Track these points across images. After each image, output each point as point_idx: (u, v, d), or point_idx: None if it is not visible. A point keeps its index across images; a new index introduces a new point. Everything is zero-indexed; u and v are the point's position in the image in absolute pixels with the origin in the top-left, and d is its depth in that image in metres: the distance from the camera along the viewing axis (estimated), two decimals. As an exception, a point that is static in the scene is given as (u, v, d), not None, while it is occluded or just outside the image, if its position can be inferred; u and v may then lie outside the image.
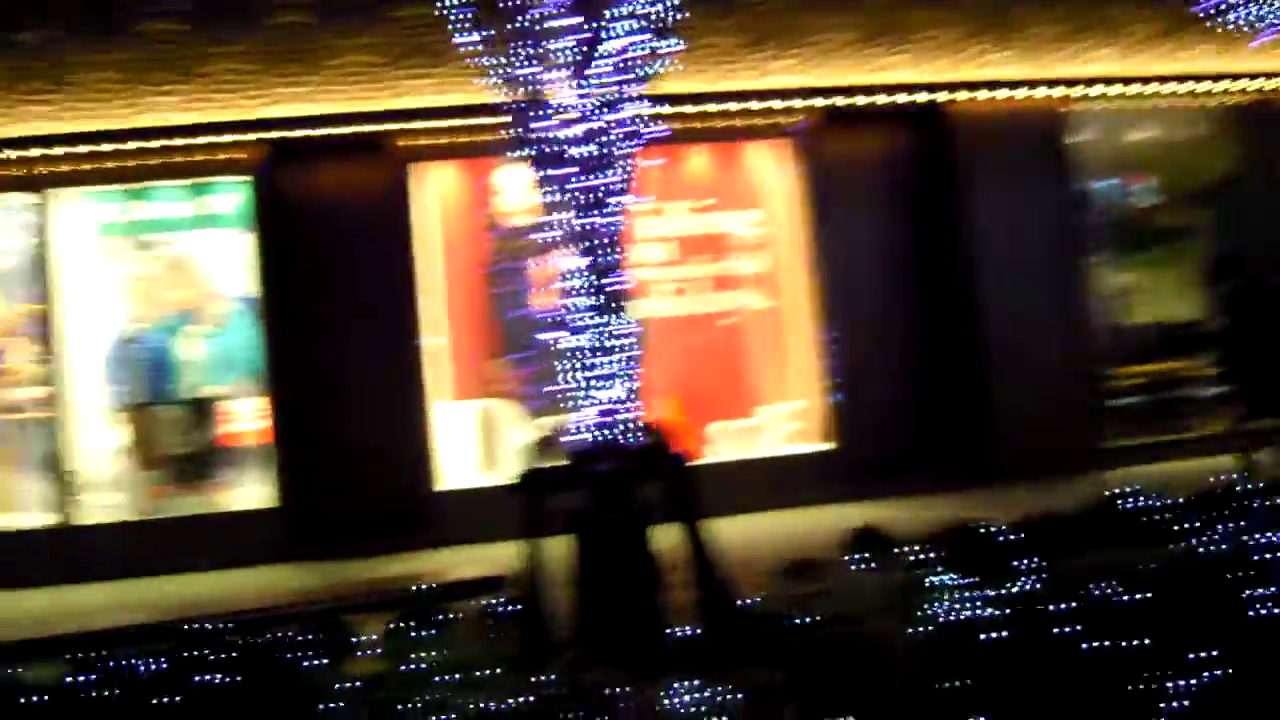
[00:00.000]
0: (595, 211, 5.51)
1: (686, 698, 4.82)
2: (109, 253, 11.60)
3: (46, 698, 5.67)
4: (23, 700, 5.66)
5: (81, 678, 5.72)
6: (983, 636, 4.94)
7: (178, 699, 5.53)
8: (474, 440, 11.19)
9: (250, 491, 11.22)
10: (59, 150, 10.76)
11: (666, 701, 4.82)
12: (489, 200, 11.47)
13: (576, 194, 5.54)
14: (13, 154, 10.73)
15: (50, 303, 11.04)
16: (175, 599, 9.33)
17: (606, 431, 5.58)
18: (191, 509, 11.13)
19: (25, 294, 11.32)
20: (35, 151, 10.76)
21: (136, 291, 11.58)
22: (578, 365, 5.61)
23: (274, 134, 10.79)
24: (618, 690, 4.88)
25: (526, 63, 5.56)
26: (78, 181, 11.09)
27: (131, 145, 10.77)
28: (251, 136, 10.82)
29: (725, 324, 11.88)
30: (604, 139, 5.54)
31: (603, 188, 5.51)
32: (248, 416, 11.26)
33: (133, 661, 5.69)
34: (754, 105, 11.45)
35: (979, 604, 5.62)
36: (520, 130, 5.65)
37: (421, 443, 10.88)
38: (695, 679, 4.93)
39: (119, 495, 11.25)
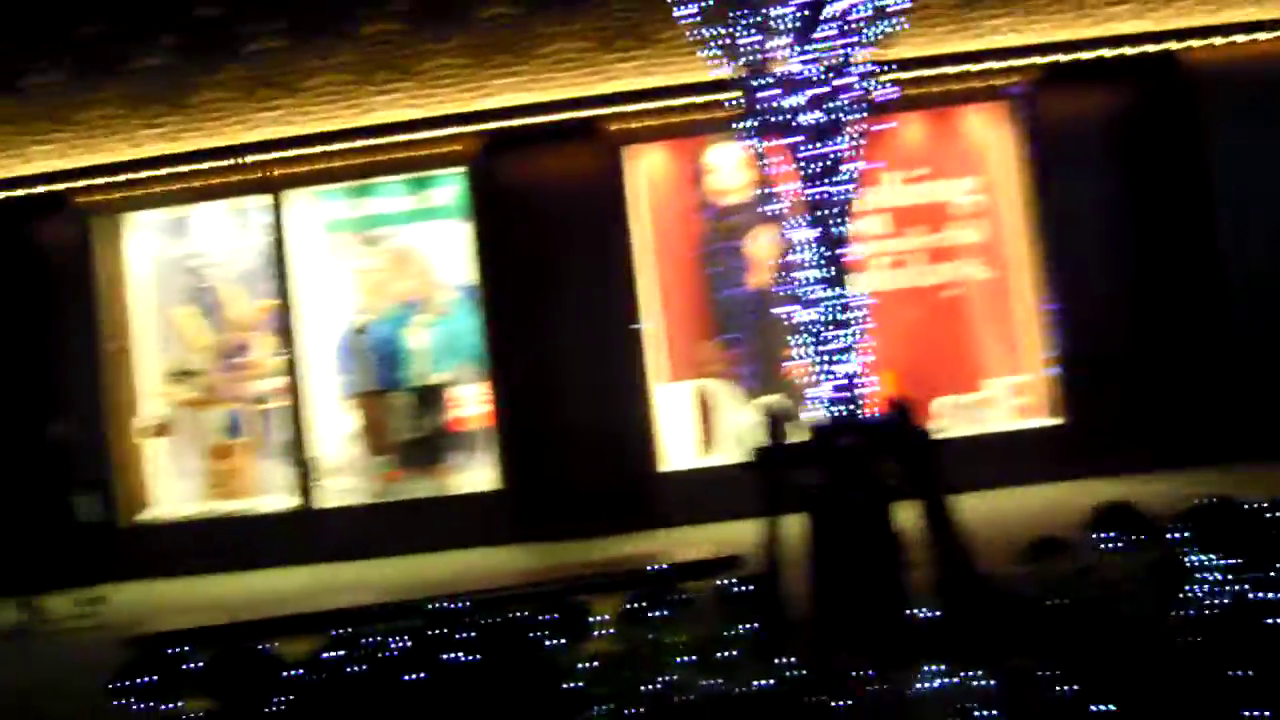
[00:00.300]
0: (825, 180, 5.36)
1: (937, 683, 4.63)
2: (338, 248, 12.13)
3: (302, 671, 5.92)
4: (282, 674, 5.93)
5: (333, 654, 5.96)
6: (1264, 621, 4.57)
7: (424, 676, 5.68)
8: (692, 421, 11.17)
9: (476, 475, 11.52)
10: (291, 153, 11.25)
11: (916, 687, 4.64)
12: (702, 180, 11.42)
13: (805, 163, 5.40)
14: (250, 158, 11.28)
15: (286, 298, 11.60)
16: (409, 579, 9.63)
17: (843, 406, 5.42)
18: (421, 492, 11.50)
19: (264, 291, 11.95)
20: (270, 155, 11.29)
21: (364, 284, 12.06)
22: (811, 339, 5.47)
23: (489, 125, 10.99)
24: (863, 674, 4.73)
25: (748, 31, 5.44)
26: (308, 182, 11.59)
27: (356, 144, 11.16)
28: (468, 129, 11.04)
29: (945, 296, 11.48)
30: (831, 105, 5.37)
31: (832, 155, 5.35)
32: (472, 402, 11.57)
33: (380, 639, 5.87)
34: (970, 68, 10.99)
35: (1250, 585, 5.22)
36: (744, 101, 5.54)
37: (641, 424, 10.92)
38: (943, 663, 4.73)
39: (353, 480, 11.75)
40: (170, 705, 6.05)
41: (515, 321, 11.11)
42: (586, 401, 10.88)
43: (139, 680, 6.17)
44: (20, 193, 11.76)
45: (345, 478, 11.70)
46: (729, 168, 11.29)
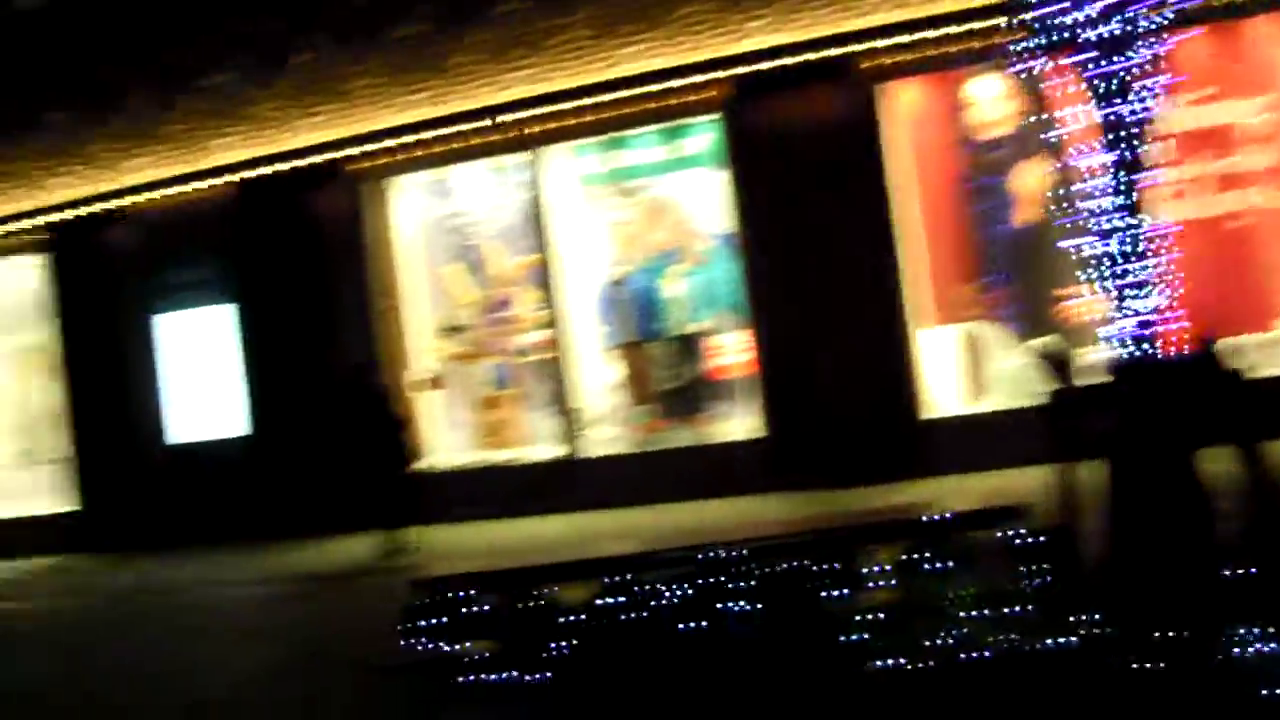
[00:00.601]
0: (1118, 99, 4.94)
1: (1255, 648, 4.26)
2: (594, 201, 12.27)
3: (580, 617, 6.03)
4: (560, 620, 6.05)
5: (609, 601, 6.03)
6: None
7: (701, 624, 5.67)
8: (958, 365, 10.75)
9: (736, 423, 11.50)
10: (544, 110, 11.42)
11: (1229, 651, 4.28)
12: (961, 114, 10.90)
13: (1096, 81, 4.99)
14: (507, 118, 11.53)
15: (545, 253, 11.85)
16: (673, 527, 9.70)
17: (1144, 344, 5.02)
18: (682, 441, 11.58)
19: (524, 246, 12.24)
20: (524, 113, 11.49)
21: (621, 236, 12.18)
22: (1106, 273, 5.08)
23: (740, 70, 10.82)
24: (1171, 636, 4.40)
25: (1029, -57, 5.05)
26: (562, 137, 11.76)
27: (608, 97, 11.21)
28: (718, 75, 10.90)
29: (1232, 227, 10.57)
30: (1124, 15, 4.93)
31: (1125, 71, 4.93)
32: (732, 350, 11.53)
33: (657, 586, 5.90)
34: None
35: None
36: (1024, 20, 5.16)
37: (904, 369, 10.59)
38: (1260, 626, 4.35)
39: (616, 429, 11.94)
40: (455, 647, 6.29)
41: (773, 268, 10.95)
42: (847, 347, 10.62)
43: (426, 622, 6.42)
44: (297, 164, 12.44)
45: (608, 427, 11.92)
46: (989, 99, 10.74)
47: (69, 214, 13.60)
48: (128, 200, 13.26)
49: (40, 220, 13.79)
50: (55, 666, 8.45)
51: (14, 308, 15.03)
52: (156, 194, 13.06)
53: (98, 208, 13.42)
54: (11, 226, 13.93)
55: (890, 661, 4.81)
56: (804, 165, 10.80)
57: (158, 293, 13.27)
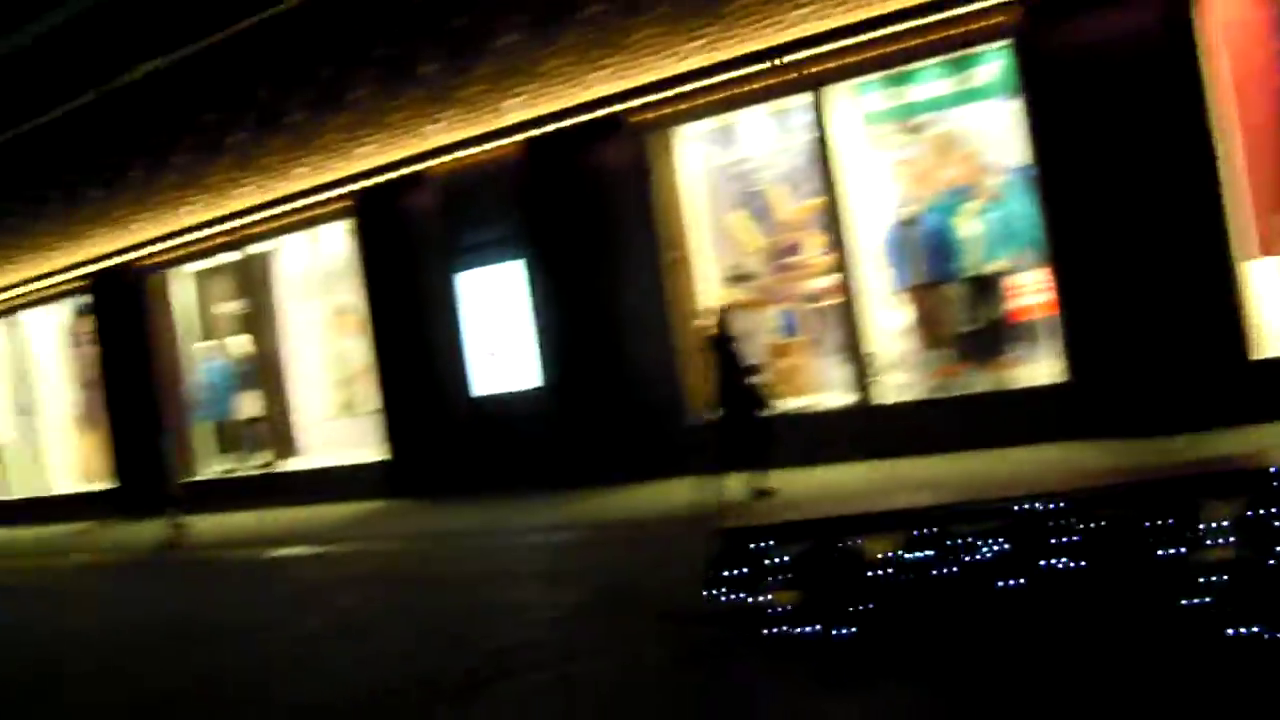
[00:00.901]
0: None
1: None
2: (879, 139, 11.89)
3: (889, 570, 5.86)
4: (866, 573, 5.91)
5: (919, 554, 5.83)
6: None
7: (1019, 582, 5.41)
8: (1287, 300, 9.79)
9: (1038, 367, 10.94)
10: (827, 47, 11.08)
11: None
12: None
13: None
14: (788, 58, 11.26)
15: (832, 195, 11.58)
16: (974, 476, 9.35)
17: None
18: (979, 386, 11.13)
19: (810, 190, 12.00)
20: (806, 53, 11.19)
21: (909, 174, 11.75)
22: None
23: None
24: None
25: None
26: (845, 75, 11.40)
27: (891, 30, 10.76)
28: (1010, -4, 10.25)
29: None
30: None
31: None
32: (1032, 290, 10.94)
33: (967, 539, 5.66)
34: None
35: None
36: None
37: (1227, 306, 9.70)
38: None
39: (909, 374, 11.60)
40: (759, 598, 6.25)
41: (1075, 201, 10.22)
42: (1160, 283, 9.80)
43: (731, 572, 6.42)
44: (582, 119, 12.63)
45: (900, 373, 11.60)
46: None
47: (372, 180, 14.40)
48: (425, 164, 13.88)
49: (347, 188, 14.68)
50: (376, 607, 9.04)
51: (329, 271, 16.15)
52: (451, 156, 13.61)
53: (398, 173, 14.14)
54: (323, 195, 14.89)
55: (1245, 629, 4.40)
56: (1106, 88, 9.98)
57: (455, 251, 13.83)
